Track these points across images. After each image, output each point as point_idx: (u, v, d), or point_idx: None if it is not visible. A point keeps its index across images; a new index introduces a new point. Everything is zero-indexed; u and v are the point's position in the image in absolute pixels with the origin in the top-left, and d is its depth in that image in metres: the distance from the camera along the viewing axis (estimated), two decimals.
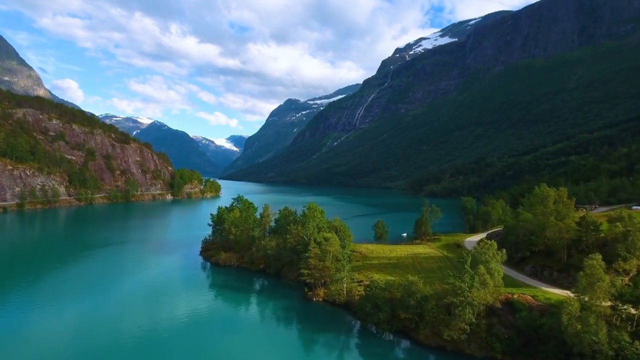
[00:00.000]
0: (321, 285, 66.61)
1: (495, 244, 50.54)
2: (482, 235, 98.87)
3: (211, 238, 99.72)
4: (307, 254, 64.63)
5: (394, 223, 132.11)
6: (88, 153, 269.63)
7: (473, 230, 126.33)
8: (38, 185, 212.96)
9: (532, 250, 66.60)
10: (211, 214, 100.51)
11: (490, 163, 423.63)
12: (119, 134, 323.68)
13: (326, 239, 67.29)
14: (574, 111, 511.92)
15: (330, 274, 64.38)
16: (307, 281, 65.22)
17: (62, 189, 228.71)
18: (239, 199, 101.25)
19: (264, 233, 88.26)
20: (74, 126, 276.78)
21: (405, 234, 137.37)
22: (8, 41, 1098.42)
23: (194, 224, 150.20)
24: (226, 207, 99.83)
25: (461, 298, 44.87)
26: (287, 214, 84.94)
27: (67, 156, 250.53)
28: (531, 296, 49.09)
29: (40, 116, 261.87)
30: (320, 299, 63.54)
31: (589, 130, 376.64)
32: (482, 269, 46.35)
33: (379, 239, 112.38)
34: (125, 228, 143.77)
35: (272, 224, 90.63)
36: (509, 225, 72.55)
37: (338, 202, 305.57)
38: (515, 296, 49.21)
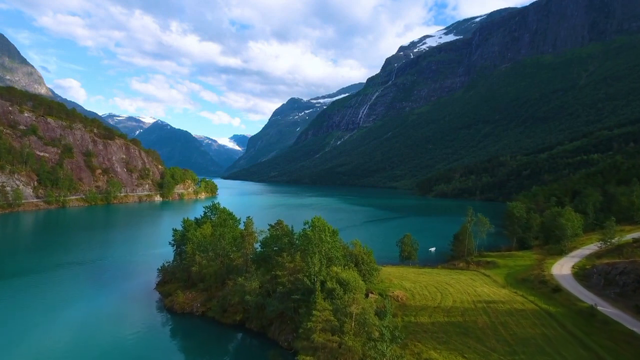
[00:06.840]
0: None
1: None
2: (569, 261, 68.46)
3: (171, 265, 68.64)
4: (308, 323, 34.39)
5: (414, 232, 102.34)
6: (65, 150, 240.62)
7: (523, 247, 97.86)
8: None
9: None
10: (174, 229, 70.93)
11: (503, 162, 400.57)
12: (102, 129, 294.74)
13: (343, 284, 38.10)
14: (587, 108, 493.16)
15: None
16: None
17: (28, 190, 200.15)
18: (214, 208, 70.72)
19: (245, 261, 58.25)
20: (50, 119, 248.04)
21: (433, 249, 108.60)
22: (10, 40, 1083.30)
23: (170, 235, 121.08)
24: (196, 219, 70.48)
25: None
26: (280, 234, 53.24)
27: (38, 153, 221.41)
28: None
29: (10, 108, 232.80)
30: None
31: (606, 127, 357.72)
32: None
33: (406, 259, 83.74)
34: (79, 243, 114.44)
35: (258, 245, 60.25)
36: None
37: (343, 205, 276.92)
38: None
